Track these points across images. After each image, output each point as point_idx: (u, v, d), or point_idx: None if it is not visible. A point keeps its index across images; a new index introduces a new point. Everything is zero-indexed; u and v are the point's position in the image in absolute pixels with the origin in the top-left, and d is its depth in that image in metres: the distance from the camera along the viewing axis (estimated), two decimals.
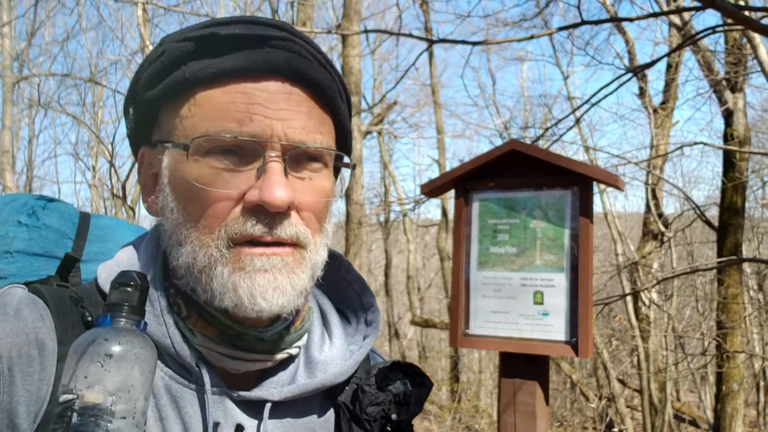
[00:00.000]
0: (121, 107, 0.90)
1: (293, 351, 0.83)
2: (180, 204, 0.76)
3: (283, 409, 0.81)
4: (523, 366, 2.24)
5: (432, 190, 2.51)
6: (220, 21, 0.78)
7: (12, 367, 0.68)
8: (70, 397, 0.62)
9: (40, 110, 12.02)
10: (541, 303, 2.21)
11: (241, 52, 0.75)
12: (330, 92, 0.80)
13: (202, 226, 0.74)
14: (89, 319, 0.74)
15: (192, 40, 0.76)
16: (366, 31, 4.03)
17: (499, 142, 14.57)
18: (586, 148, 10.65)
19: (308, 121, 0.76)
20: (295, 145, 0.74)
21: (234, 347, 0.77)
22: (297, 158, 0.76)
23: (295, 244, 0.76)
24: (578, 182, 2.21)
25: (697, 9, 2.95)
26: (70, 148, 14.68)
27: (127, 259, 0.83)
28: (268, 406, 0.79)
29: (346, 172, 0.90)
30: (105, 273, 0.81)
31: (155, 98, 0.78)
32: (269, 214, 0.73)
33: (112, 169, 9.01)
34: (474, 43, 3.58)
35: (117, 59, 11.11)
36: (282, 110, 0.75)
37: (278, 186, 0.72)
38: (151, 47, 7.95)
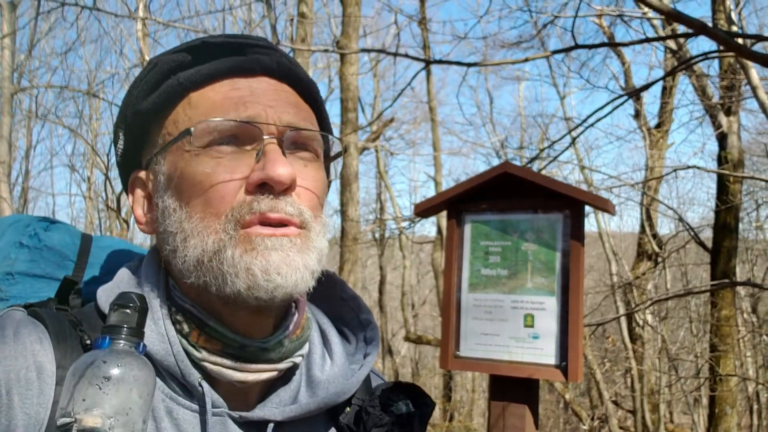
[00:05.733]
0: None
1: (296, 359, 0.83)
2: (183, 200, 0.77)
3: (286, 430, 0.81)
4: (512, 389, 2.23)
5: (425, 210, 2.51)
6: (209, 36, 0.84)
7: (10, 390, 0.68)
8: (67, 420, 0.60)
9: (37, 121, 12.03)
10: (532, 326, 2.21)
11: (231, 57, 0.80)
12: (314, 90, 0.86)
13: (209, 213, 0.75)
14: (88, 342, 0.73)
15: (184, 51, 0.81)
16: (362, 50, 4.06)
17: (495, 160, 14.61)
18: (582, 168, 10.70)
19: (298, 111, 0.81)
20: (290, 126, 0.78)
21: (238, 359, 0.77)
22: (289, 144, 0.78)
23: (301, 226, 0.77)
24: (570, 206, 2.22)
25: (689, 35, 2.98)
26: (67, 160, 14.61)
27: (127, 280, 0.83)
28: (271, 426, 0.79)
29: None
30: (105, 295, 0.80)
31: (148, 109, 0.81)
32: (273, 192, 0.75)
33: (107, 181, 8.99)
34: (470, 65, 3.61)
35: (115, 72, 11.14)
36: (273, 100, 0.79)
37: (281, 163, 0.74)
38: None
